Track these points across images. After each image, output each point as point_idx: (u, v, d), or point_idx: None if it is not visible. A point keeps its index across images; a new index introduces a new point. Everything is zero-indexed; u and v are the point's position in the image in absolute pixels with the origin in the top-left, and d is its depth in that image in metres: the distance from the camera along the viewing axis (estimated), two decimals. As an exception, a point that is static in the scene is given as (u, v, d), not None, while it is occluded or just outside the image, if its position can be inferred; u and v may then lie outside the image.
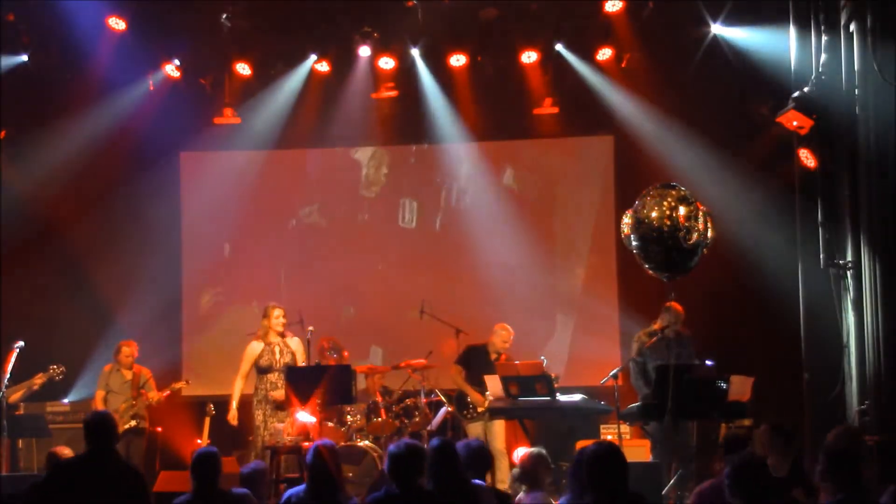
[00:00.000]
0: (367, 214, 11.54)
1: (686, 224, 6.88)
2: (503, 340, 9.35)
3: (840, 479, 4.73)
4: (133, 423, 9.30)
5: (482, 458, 5.67)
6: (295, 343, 8.93)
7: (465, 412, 9.34)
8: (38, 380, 9.34)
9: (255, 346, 8.92)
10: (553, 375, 8.15)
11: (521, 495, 5.91)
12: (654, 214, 6.91)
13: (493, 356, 9.31)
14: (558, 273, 11.22)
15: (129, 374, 9.52)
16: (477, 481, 5.51)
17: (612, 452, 4.53)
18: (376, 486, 7.03)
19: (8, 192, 10.37)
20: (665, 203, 6.91)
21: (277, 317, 8.88)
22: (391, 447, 5.02)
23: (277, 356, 8.81)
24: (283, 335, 8.93)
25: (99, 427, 5.53)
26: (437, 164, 11.42)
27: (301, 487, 5.44)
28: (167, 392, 9.54)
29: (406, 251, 11.38)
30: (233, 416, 8.93)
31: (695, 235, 6.91)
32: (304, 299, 10.62)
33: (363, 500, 6.71)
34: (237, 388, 8.94)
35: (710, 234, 7.01)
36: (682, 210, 6.90)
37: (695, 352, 8.59)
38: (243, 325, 10.96)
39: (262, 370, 8.83)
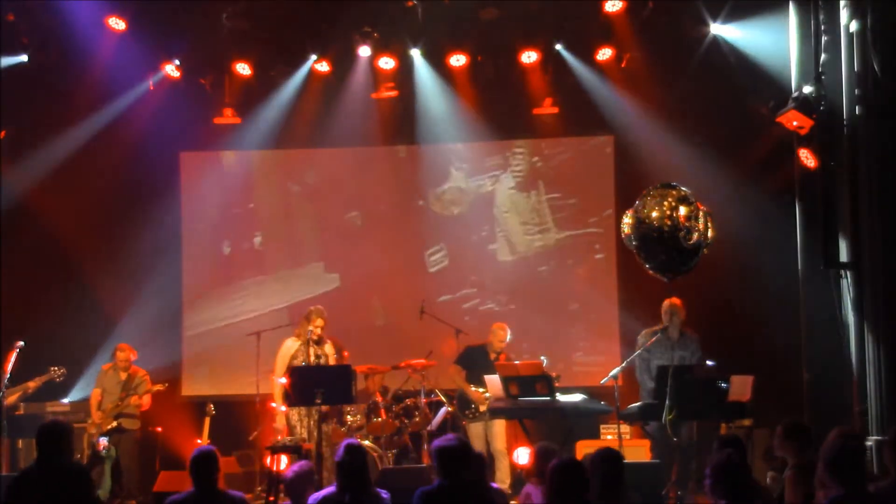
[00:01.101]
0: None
1: (686, 224, 6.88)
2: (500, 340, 9.36)
3: (842, 475, 4.74)
4: (115, 423, 9.30)
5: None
6: (328, 347, 8.95)
7: (466, 412, 9.34)
8: (33, 383, 9.37)
9: (291, 344, 8.87)
10: (554, 375, 8.16)
11: (528, 486, 5.91)
12: (654, 214, 6.91)
13: (492, 356, 9.32)
14: (558, 273, 11.22)
15: (123, 375, 9.55)
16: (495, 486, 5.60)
17: (576, 467, 4.71)
18: (377, 486, 7.03)
19: (8, 191, 10.37)
20: (665, 203, 6.92)
21: (318, 326, 8.83)
22: (438, 441, 5.03)
23: (312, 358, 8.77)
24: (318, 342, 8.88)
25: (46, 437, 5.63)
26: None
27: (329, 490, 5.42)
28: (147, 395, 9.51)
29: (412, 264, 11.41)
30: (280, 424, 8.77)
31: (695, 235, 6.91)
32: (302, 295, 10.67)
33: None
34: (276, 388, 8.79)
35: (710, 234, 7.01)
36: (682, 210, 6.91)
37: (700, 352, 8.59)
38: (243, 325, 11.00)
39: None
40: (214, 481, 5.42)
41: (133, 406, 9.44)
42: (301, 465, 6.09)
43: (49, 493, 5.46)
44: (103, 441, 8.95)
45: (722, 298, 10.06)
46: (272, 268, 11.50)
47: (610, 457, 4.86)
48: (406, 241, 11.42)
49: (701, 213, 6.98)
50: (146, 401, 9.54)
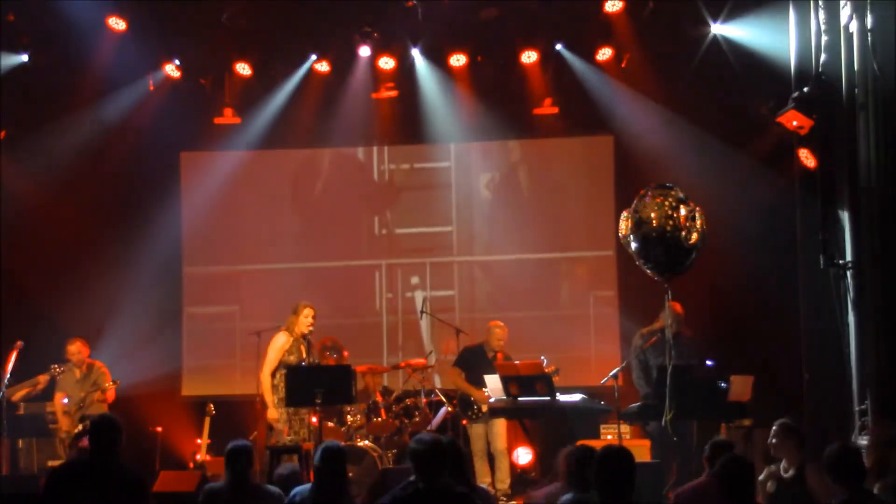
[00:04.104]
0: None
1: (686, 224, 6.91)
2: (498, 338, 9.37)
3: (844, 480, 4.75)
4: (80, 426, 8.76)
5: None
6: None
7: (469, 412, 9.34)
8: (43, 379, 9.30)
9: (282, 339, 8.62)
10: (553, 368, 8.17)
11: (551, 487, 5.85)
12: (654, 215, 6.93)
13: (490, 355, 9.32)
14: (558, 273, 11.23)
15: (78, 373, 9.31)
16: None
17: (621, 453, 4.62)
18: (377, 486, 7.05)
19: (8, 191, 10.37)
20: (665, 203, 6.95)
21: (307, 316, 8.62)
22: (412, 442, 5.00)
23: (305, 354, 8.64)
24: (306, 336, 8.71)
25: (99, 430, 5.54)
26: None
27: (306, 486, 5.45)
28: (109, 393, 9.22)
29: (412, 263, 11.43)
30: (272, 416, 8.54)
31: (695, 235, 6.94)
32: (303, 294, 10.67)
33: (363, 500, 6.74)
34: (268, 385, 8.56)
35: (705, 233, 7.05)
36: (682, 210, 6.94)
37: (696, 354, 8.58)
38: (243, 325, 11.01)
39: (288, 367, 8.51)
40: (247, 474, 5.59)
41: (97, 405, 9.18)
42: (291, 466, 6.16)
43: (105, 494, 5.35)
44: None
45: (722, 298, 10.06)
46: (273, 267, 11.50)
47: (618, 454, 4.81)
48: (406, 239, 11.42)
49: (697, 214, 7.02)
50: (109, 395, 9.25)
